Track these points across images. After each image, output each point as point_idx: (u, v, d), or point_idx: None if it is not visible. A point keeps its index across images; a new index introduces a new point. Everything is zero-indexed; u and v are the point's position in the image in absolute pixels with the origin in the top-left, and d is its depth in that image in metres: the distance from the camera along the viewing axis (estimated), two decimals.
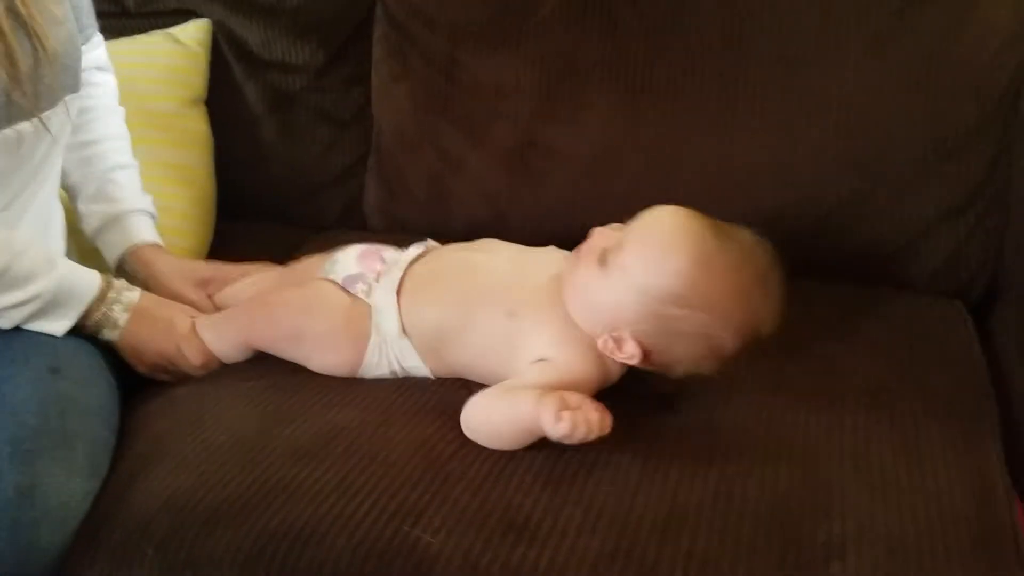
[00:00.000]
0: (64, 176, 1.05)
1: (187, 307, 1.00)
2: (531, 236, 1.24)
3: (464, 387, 0.87)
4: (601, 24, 1.19)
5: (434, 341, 0.90)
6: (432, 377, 0.92)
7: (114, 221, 1.06)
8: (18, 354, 0.88)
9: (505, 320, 0.86)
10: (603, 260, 0.82)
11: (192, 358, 0.95)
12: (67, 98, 0.94)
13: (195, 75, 1.28)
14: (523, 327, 0.86)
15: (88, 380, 0.90)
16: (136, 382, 0.95)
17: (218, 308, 1.02)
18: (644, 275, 0.79)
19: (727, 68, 1.16)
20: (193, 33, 1.30)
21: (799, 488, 0.75)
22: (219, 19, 1.32)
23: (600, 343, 0.82)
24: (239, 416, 0.87)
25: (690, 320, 0.79)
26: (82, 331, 0.93)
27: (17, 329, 0.90)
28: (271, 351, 0.95)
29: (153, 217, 1.10)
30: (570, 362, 0.83)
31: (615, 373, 0.85)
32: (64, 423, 0.83)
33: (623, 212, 1.20)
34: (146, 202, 1.09)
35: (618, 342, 0.81)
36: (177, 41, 1.28)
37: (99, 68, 1.09)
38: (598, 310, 0.82)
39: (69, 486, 0.79)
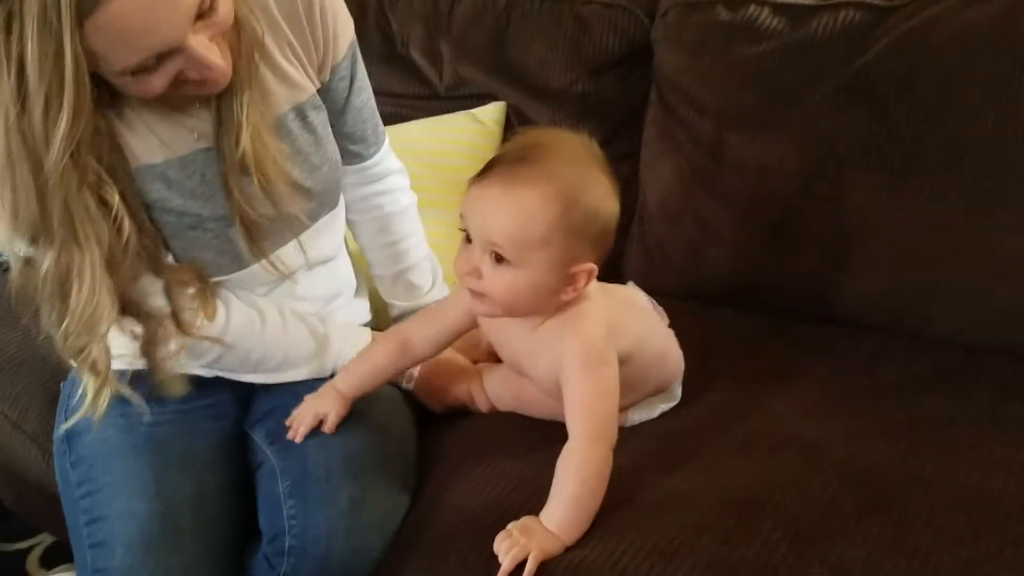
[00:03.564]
0: (369, 264, 1.20)
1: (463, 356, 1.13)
2: (779, 308, 1.31)
3: None
4: (868, 111, 1.22)
5: None
6: None
7: (414, 311, 1.17)
8: None
9: None
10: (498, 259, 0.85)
11: (481, 405, 1.10)
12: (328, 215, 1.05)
13: (490, 150, 1.45)
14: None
15: (395, 411, 1.06)
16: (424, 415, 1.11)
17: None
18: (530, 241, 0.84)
19: (996, 159, 1.15)
20: (491, 114, 1.47)
21: None
22: (514, 102, 1.49)
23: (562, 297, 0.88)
24: (518, 448, 0.99)
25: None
26: None
27: None
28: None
29: None
30: None
31: None
32: (383, 445, 0.98)
33: (872, 307, 1.23)
34: (441, 291, 1.22)
35: (574, 279, 0.87)
36: (478, 121, 1.47)
37: (392, 173, 1.17)
38: (537, 292, 0.87)
39: (389, 499, 0.94)
